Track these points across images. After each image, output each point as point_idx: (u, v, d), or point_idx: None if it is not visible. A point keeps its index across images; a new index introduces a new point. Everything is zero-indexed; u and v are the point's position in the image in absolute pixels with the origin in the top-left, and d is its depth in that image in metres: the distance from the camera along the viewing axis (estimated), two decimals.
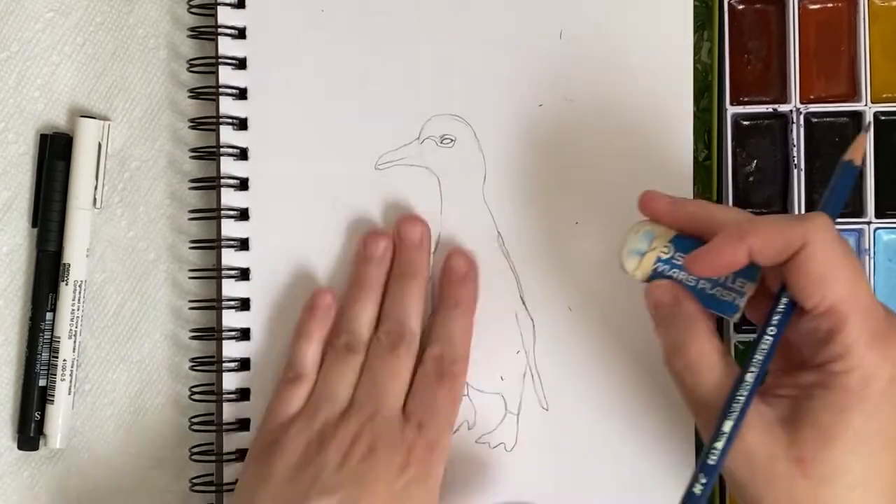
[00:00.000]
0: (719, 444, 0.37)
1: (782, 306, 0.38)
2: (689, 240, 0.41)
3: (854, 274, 0.37)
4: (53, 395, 0.49)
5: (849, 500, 0.36)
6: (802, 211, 0.48)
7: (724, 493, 0.48)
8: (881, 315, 0.37)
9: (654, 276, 0.41)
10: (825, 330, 0.37)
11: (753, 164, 0.49)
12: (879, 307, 0.38)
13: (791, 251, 0.37)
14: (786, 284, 0.38)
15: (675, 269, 0.41)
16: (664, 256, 0.41)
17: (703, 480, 0.37)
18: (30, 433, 0.49)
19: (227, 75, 0.49)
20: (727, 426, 0.37)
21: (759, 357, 0.38)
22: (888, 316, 0.38)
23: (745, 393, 0.38)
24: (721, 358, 0.39)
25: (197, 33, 0.50)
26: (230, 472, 0.48)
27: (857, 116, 0.49)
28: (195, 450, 0.49)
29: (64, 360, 0.49)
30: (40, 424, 0.50)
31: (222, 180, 0.49)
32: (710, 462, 0.37)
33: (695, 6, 0.49)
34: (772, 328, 0.38)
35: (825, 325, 0.37)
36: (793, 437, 0.37)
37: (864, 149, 0.40)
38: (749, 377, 0.38)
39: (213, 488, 0.48)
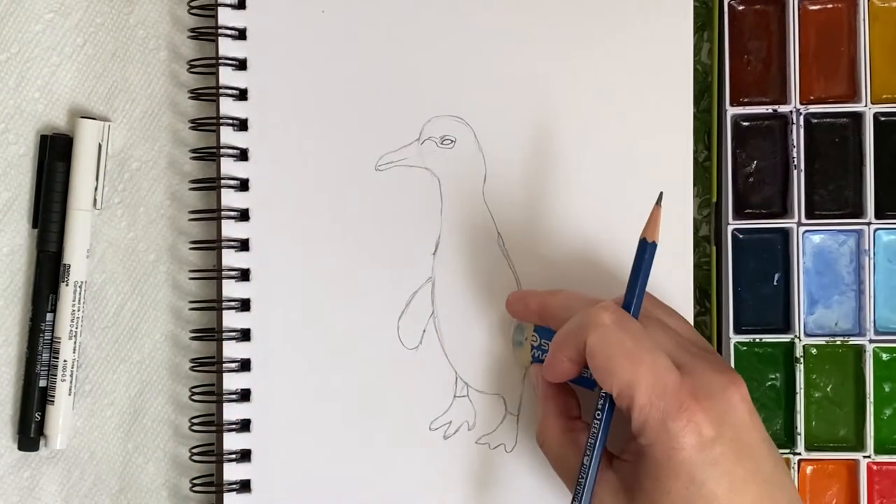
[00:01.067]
0: None
1: (603, 393, 0.41)
2: (546, 329, 0.45)
3: (634, 358, 0.39)
4: (54, 396, 0.49)
5: None
6: (802, 212, 0.48)
7: None
8: (674, 387, 0.39)
9: (535, 360, 0.46)
10: (624, 410, 0.40)
11: (753, 165, 0.49)
12: (670, 378, 0.39)
13: (582, 352, 0.41)
14: None
15: (545, 354, 0.44)
16: (535, 344, 0.46)
17: None
18: (30, 434, 0.49)
19: (227, 76, 0.49)
20: None
21: (591, 441, 0.41)
22: (683, 382, 0.39)
23: (584, 477, 0.41)
24: (562, 434, 0.44)
25: (197, 34, 0.50)
26: (230, 472, 0.48)
27: (857, 117, 0.49)
28: (195, 450, 0.49)
29: (64, 361, 0.49)
30: (41, 425, 0.50)
31: (222, 181, 0.49)
32: None
33: (695, 7, 0.49)
34: (597, 416, 0.41)
35: (623, 406, 0.40)
36: (631, 502, 0.40)
37: (659, 224, 0.42)
38: (585, 460, 0.41)
39: (213, 488, 0.49)
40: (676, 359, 0.40)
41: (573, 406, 0.45)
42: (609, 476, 0.42)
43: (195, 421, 0.49)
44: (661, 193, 0.42)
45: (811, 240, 0.49)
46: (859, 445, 0.48)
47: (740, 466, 0.38)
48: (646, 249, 0.42)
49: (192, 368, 0.49)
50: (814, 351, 0.49)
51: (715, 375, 0.40)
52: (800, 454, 0.48)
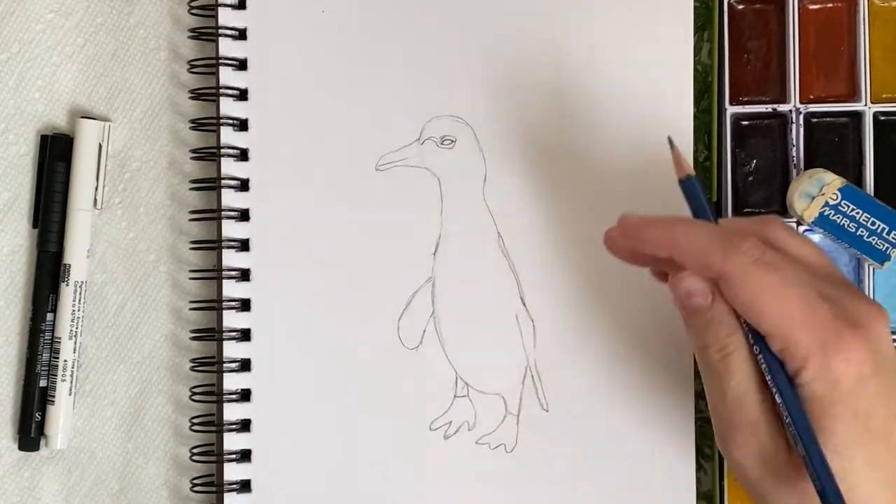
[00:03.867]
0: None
1: (752, 335, 0.38)
2: (857, 191, 0.46)
3: (781, 291, 0.37)
4: (54, 396, 0.49)
5: (850, 501, 0.36)
6: None
7: (723, 493, 0.48)
8: (826, 317, 0.37)
9: (821, 219, 0.46)
10: (778, 350, 0.37)
11: (753, 164, 0.49)
12: (820, 310, 0.37)
13: (712, 277, 0.38)
14: None
15: (839, 216, 0.46)
16: (832, 202, 0.46)
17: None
18: (30, 434, 0.49)
19: (227, 76, 0.49)
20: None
21: (776, 389, 0.38)
22: (835, 313, 0.37)
23: (798, 431, 0.37)
24: (752, 354, 0.39)
25: (198, 34, 0.50)
26: (230, 472, 0.48)
27: (857, 116, 0.49)
28: (195, 450, 0.49)
29: (64, 361, 0.49)
30: (41, 425, 0.50)
31: (223, 181, 0.49)
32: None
33: (695, 7, 0.49)
34: (762, 360, 0.38)
35: (774, 346, 0.37)
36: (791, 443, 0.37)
37: (684, 158, 0.40)
38: (784, 410, 0.37)
39: (213, 488, 0.48)
40: (820, 290, 0.38)
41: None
42: (770, 415, 0.38)
43: (195, 421, 0.49)
44: (669, 137, 0.40)
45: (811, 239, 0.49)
46: None
47: (894, 399, 0.37)
48: (690, 186, 0.40)
49: (192, 368, 0.49)
50: None
51: (862, 304, 0.38)
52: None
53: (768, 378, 0.38)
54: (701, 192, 0.40)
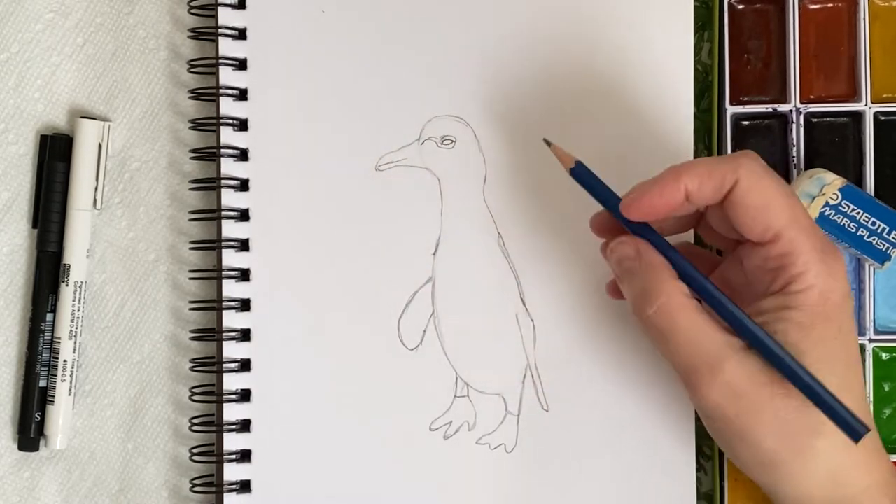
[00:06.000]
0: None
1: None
2: (858, 191, 0.46)
3: (790, 199, 0.39)
4: (54, 396, 0.49)
5: None
6: None
7: (723, 493, 0.48)
8: (821, 233, 0.39)
9: (821, 219, 0.46)
10: (776, 256, 0.39)
11: None
12: (817, 226, 0.40)
13: (726, 188, 0.39)
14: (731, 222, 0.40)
15: (839, 216, 0.46)
16: (832, 202, 0.46)
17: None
18: (30, 434, 0.49)
19: (227, 76, 0.49)
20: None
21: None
22: (824, 234, 0.40)
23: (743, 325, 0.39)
24: (689, 298, 0.40)
25: (197, 34, 0.50)
26: (230, 472, 0.48)
27: (857, 116, 0.49)
28: (195, 450, 0.49)
29: (64, 361, 0.49)
30: (41, 425, 0.50)
31: (223, 181, 0.49)
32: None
33: (695, 7, 0.49)
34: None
35: (776, 252, 0.39)
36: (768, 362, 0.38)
37: (563, 151, 0.42)
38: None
39: (213, 488, 0.48)
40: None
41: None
42: (732, 342, 0.39)
43: (195, 421, 0.49)
44: (545, 138, 0.43)
45: None
46: None
47: (853, 329, 0.40)
48: (581, 172, 0.42)
49: (192, 368, 0.49)
50: None
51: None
52: None
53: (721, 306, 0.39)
54: (593, 174, 0.41)
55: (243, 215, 0.49)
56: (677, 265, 0.40)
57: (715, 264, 0.44)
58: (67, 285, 0.49)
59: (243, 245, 0.49)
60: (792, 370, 0.38)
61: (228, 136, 0.49)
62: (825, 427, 0.38)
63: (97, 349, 0.51)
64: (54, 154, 0.50)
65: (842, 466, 0.38)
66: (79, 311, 0.49)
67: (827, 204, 0.46)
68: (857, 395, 0.39)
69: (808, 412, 0.38)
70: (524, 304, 0.49)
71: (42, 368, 0.50)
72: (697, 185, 0.39)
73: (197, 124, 0.49)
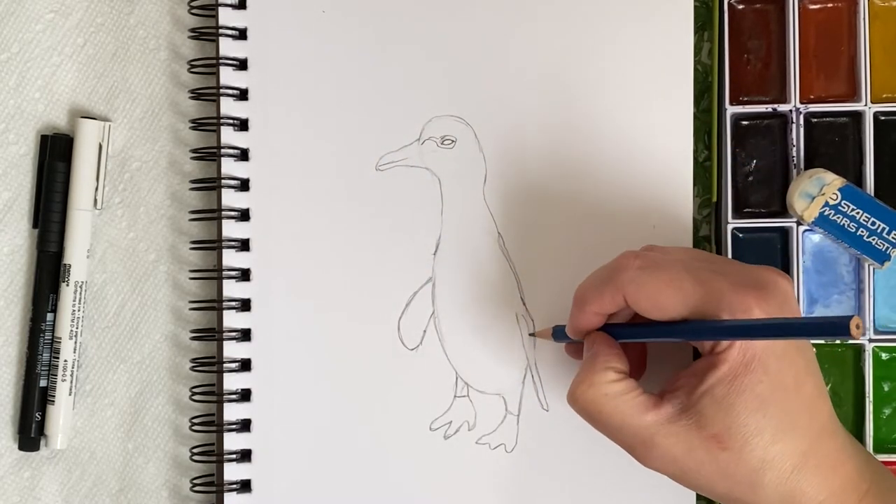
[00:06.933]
0: None
1: None
2: (857, 191, 0.46)
3: (672, 281, 0.40)
4: (54, 396, 0.49)
5: (775, 453, 0.39)
6: None
7: None
8: (724, 287, 0.39)
9: (821, 219, 0.47)
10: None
11: (753, 164, 0.49)
12: (716, 283, 0.39)
13: (621, 302, 0.41)
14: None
15: (839, 216, 0.46)
16: (832, 202, 0.46)
17: None
18: (31, 434, 0.49)
19: (227, 76, 0.49)
20: None
21: None
22: (732, 281, 0.39)
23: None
24: (615, 383, 0.41)
25: (198, 34, 0.50)
26: (230, 472, 0.48)
27: (857, 116, 0.49)
28: (195, 450, 0.49)
29: (65, 361, 0.49)
30: (41, 425, 0.50)
31: (223, 181, 0.49)
32: None
33: (695, 7, 0.49)
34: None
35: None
36: (699, 421, 0.39)
37: (544, 332, 0.48)
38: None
39: (213, 488, 0.49)
40: (711, 269, 0.40)
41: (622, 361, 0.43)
42: (661, 411, 0.40)
43: (195, 421, 0.49)
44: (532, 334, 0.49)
45: (811, 239, 0.49)
46: None
47: (801, 357, 0.40)
48: (559, 334, 0.46)
49: (192, 368, 0.49)
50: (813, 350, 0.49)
51: (760, 270, 0.40)
52: None
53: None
54: (562, 331, 0.45)
55: (243, 215, 0.49)
56: (622, 335, 0.43)
57: None
58: (68, 285, 0.49)
59: (243, 245, 0.49)
60: (746, 328, 0.38)
61: (229, 136, 0.49)
62: (767, 463, 0.39)
63: (97, 349, 0.51)
64: (55, 154, 0.50)
65: (795, 489, 0.39)
66: (79, 310, 0.49)
67: (827, 204, 0.46)
68: (803, 428, 0.39)
69: (747, 456, 0.39)
70: (524, 304, 0.49)
71: (42, 368, 0.50)
72: (600, 307, 0.42)
73: (197, 124, 0.49)
